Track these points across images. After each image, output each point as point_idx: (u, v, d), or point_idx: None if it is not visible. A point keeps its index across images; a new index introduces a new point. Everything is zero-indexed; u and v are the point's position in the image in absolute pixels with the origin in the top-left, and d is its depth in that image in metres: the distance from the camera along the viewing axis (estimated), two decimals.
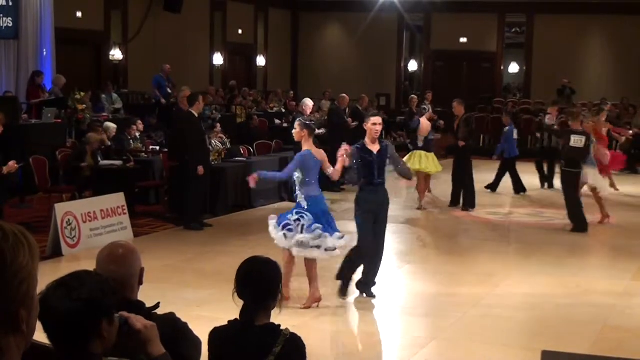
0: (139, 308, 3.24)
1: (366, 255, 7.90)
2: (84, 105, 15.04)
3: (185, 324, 3.38)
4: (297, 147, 8.77)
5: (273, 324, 3.50)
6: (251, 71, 27.14)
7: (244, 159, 14.09)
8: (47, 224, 9.95)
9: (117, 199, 10.65)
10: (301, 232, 7.57)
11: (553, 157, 15.49)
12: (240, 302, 3.49)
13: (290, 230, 7.61)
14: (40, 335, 2.13)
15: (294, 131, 8.06)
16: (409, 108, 17.52)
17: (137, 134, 14.24)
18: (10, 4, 16.12)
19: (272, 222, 7.81)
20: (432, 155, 13.60)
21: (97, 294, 2.27)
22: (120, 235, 10.02)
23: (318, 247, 7.59)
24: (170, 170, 12.63)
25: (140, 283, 3.34)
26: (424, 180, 13.75)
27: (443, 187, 14.68)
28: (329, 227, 7.70)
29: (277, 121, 20.65)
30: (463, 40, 27.51)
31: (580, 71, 26.07)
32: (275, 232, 7.73)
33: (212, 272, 8.84)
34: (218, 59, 24.88)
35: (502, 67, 28.45)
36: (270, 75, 27.76)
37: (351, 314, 7.86)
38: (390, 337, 7.19)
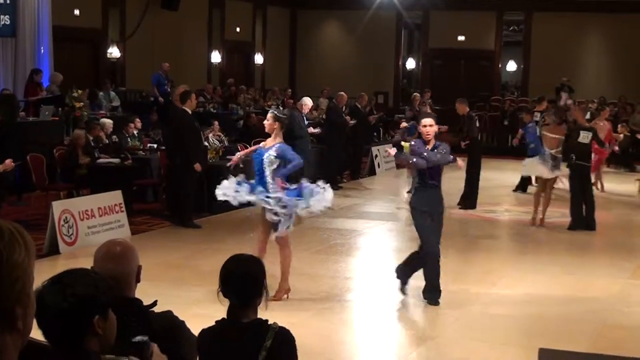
0: (137, 306, 3.23)
1: (431, 255, 7.73)
2: (82, 103, 15.04)
3: (182, 322, 3.38)
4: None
5: (261, 319, 3.49)
6: (249, 69, 27.11)
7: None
8: (45, 221, 9.93)
9: (115, 197, 10.64)
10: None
11: None
12: (226, 301, 3.48)
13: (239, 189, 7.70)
14: (36, 333, 2.13)
15: (266, 122, 7.93)
16: (411, 106, 17.50)
17: (135, 132, 14.24)
18: (8, 1, 16.09)
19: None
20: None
21: (91, 290, 2.27)
22: (117, 233, 10.02)
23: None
24: (168, 169, 12.63)
25: (138, 281, 3.33)
26: None
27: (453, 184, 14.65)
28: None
29: None
30: (461, 38, 27.50)
31: (578, 69, 26.07)
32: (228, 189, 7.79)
33: (209, 270, 8.80)
34: (216, 57, 24.86)
35: (500, 65, 28.44)
36: (268, 73, 27.75)
37: (348, 312, 7.86)
38: (388, 335, 7.19)
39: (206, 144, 13.90)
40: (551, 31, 26.13)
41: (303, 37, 28.97)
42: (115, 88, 19.43)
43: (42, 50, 16.83)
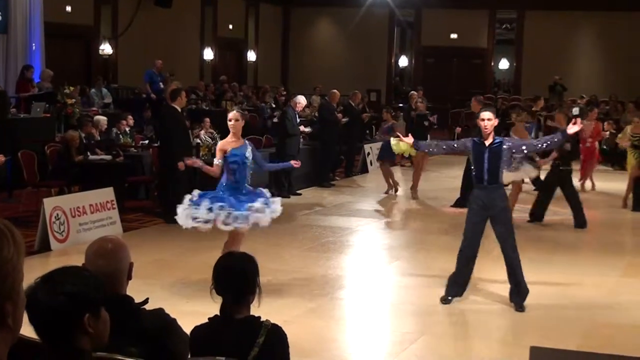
0: (128, 303, 3.22)
1: (465, 251, 7.72)
2: (73, 100, 15.00)
3: (174, 319, 3.37)
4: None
5: (253, 316, 3.50)
6: (242, 66, 27.10)
7: None
8: (36, 218, 9.90)
9: (106, 194, 10.61)
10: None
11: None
12: (219, 298, 3.48)
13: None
14: (27, 329, 2.12)
15: (234, 122, 7.69)
16: (408, 104, 17.49)
17: (127, 129, 14.21)
18: None
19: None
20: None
21: (82, 288, 2.27)
22: (109, 230, 10.00)
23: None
24: (159, 166, 12.61)
25: (129, 278, 3.33)
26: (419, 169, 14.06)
27: (445, 183, 14.68)
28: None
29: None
30: (453, 36, 27.55)
31: (570, 68, 26.15)
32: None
33: (201, 267, 8.80)
34: (208, 54, 24.83)
35: (492, 64, 28.50)
36: (260, 70, 27.73)
37: (341, 310, 7.86)
38: (380, 333, 7.19)
39: (198, 141, 13.88)
40: (543, 29, 26.20)
41: (296, 34, 28.97)
42: (107, 85, 19.39)
43: (34, 47, 16.79)
